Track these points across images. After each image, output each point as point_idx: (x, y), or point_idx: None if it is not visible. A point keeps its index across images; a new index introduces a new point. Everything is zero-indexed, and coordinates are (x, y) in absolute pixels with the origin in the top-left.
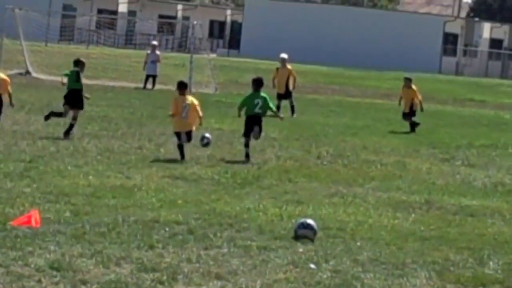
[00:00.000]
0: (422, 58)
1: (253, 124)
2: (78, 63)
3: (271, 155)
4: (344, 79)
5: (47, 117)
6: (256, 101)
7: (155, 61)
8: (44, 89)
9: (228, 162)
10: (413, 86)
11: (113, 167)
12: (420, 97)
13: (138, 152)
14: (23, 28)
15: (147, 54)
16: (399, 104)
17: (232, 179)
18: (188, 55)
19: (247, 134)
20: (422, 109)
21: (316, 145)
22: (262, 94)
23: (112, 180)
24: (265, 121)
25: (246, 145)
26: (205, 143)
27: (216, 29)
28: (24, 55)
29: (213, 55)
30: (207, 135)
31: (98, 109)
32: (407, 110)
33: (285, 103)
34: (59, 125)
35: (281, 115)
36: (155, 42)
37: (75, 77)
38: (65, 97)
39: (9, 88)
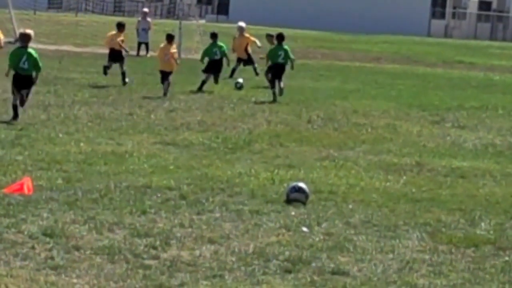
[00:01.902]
0: (411, 21)
1: (277, 71)
2: (215, 35)
3: (262, 120)
4: (334, 43)
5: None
6: (279, 52)
7: (146, 28)
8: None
9: (219, 127)
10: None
11: (104, 133)
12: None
13: (129, 118)
14: None
15: (138, 21)
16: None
17: (223, 144)
18: (177, 22)
19: (273, 80)
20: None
21: (306, 109)
22: (285, 46)
23: (103, 147)
24: (256, 85)
25: (272, 87)
26: (239, 86)
27: None
28: (13, 24)
29: (202, 21)
30: (240, 80)
31: (88, 76)
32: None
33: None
34: (49, 93)
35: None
36: (146, 9)
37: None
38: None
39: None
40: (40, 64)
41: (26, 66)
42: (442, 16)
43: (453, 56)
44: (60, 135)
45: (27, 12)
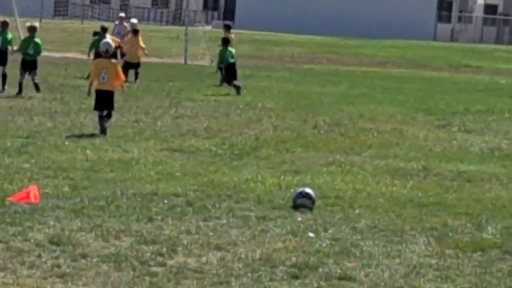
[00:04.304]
0: (416, 26)
1: (232, 71)
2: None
3: (268, 125)
4: (340, 48)
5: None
6: (227, 53)
7: (121, 32)
8: (39, 64)
9: (225, 133)
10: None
11: (110, 141)
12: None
13: (135, 125)
14: (17, 5)
15: (115, 25)
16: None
17: (229, 150)
18: (183, 28)
19: (230, 79)
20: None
21: (312, 114)
22: (229, 48)
23: (110, 154)
24: (262, 91)
25: (229, 83)
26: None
27: (211, 1)
28: (19, 32)
29: (208, 27)
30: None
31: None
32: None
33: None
34: (55, 100)
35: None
36: (122, 14)
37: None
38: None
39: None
40: (41, 49)
41: (32, 52)
42: (448, 19)
43: (459, 60)
44: (67, 142)
45: (33, 20)
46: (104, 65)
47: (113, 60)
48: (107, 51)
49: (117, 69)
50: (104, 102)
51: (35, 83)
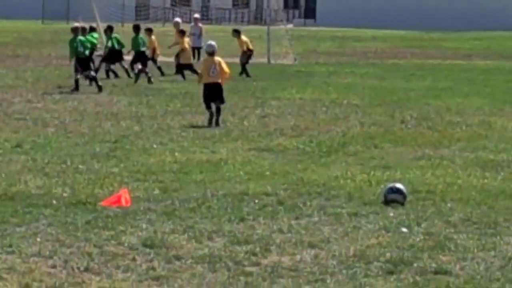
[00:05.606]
0: (501, 17)
1: (141, 58)
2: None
3: (355, 121)
4: (423, 41)
5: None
6: (140, 41)
7: (196, 33)
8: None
9: (312, 131)
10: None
11: (198, 142)
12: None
13: (222, 126)
14: (98, 10)
15: (191, 27)
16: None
17: (317, 148)
18: (265, 27)
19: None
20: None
21: (399, 109)
22: (141, 35)
23: (198, 155)
24: (346, 87)
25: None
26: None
27: None
28: (102, 37)
29: (290, 26)
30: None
31: (179, 85)
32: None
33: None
34: (141, 104)
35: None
36: (197, 15)
37: None
38: None
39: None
40: (95, 41)
41: (82, 49)
42: None
43: None
44: (155, 145)
45: (115, 25)
46: (212, 62)
47: (217, 58)
48: (213, 52)
49: (223, 64)
50: (213, 94)
51: (88, 76)
